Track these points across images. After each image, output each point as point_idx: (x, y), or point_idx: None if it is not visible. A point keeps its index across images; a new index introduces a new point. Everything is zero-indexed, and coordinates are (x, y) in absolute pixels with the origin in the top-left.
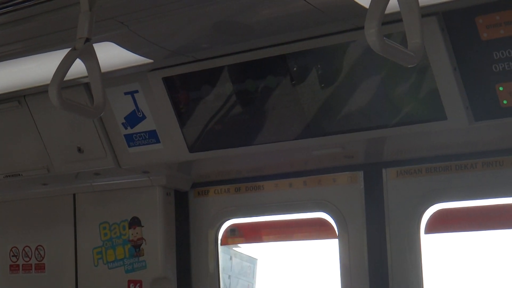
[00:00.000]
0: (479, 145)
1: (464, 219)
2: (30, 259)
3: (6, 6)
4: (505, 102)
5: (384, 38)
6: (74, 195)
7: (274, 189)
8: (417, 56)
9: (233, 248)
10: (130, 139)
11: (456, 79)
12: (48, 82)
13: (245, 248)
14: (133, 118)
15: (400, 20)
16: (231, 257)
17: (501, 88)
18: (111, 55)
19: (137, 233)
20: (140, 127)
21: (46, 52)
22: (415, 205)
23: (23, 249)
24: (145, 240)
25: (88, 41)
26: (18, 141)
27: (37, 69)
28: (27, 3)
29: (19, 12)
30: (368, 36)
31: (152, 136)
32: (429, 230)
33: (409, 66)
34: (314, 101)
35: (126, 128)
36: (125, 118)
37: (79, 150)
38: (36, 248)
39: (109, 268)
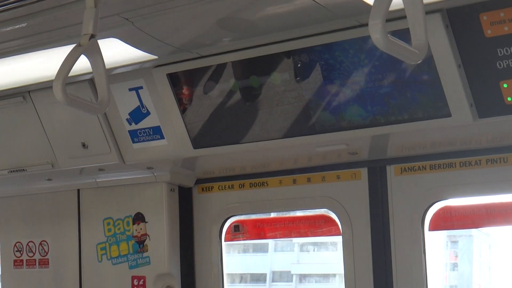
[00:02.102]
0: (483, 142)
1: (468, 216)
2: (34, 254)
3: (11, 2)
4: (509, 99)
5: (388, 35)
6: (78, 190)
7: (278, 186)
8: (421, 53)
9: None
10: (135, 135)
11: (461, 76)
12: (53, 78)
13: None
14: (138, 114)
15: (404, 17)
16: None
17: (505, 85)
18: (116, 51)
19: (141, 229)
20: (145, 123)
21: (51, 48)
22: (419, 202)
23: (27, 244)
24: (149, 236)
25: (93, 37)
26: (23, 137)
27: (41, 65)
28: None
29: (24, 8)
30: (372, 33)
31: (156, 132)
32: (433, 227)
33: (412, 63)
34: (318, 98)
35: (130, 124)
36: (129, 114)
37: (84, 145)
38: (40, 244)
39: (113, 264)
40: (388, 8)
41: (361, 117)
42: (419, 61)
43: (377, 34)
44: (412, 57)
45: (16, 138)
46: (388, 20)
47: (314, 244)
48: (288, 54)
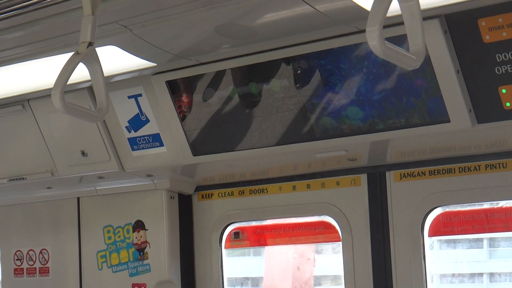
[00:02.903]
0: (482, 147)
1: (468, 222)
2: (34, 262)
3: (9, 10)
4: (508, 104)
5: (386, 41)
6: (78, 198)
7: (277, 192)
8: (419, 59)
9: None
10: (134, 143)
11: (459, 81)
12: (52, 86)
13: None
14: (137, 122)
15: (402, 23)
16: None
17: (504, 91)
18: (115, 59)
19: (141, 236)
20: (144, 131)
21: (49, 56)
22: (418, 208)
23: (27, 252)
24: (149, 244)
25: (91, 45)
26: (22, 145)
27: (40, 73)
28: (30, 8)
29: (22, 17)
30: (369, 40)
31: (155, 140)
32: (433, 233)
33: (410, 69)
34: (317, 104)
35: (129, 132)
36: (128, 121)
37: (83, 153)
38: (40, 252)
39: (113, 271)
40: (385, 14)
41: (360, 123)
42: (417, 67)
43: (374, 40)
44: (410, 63)
45: (15, 146)
46: (385, 26)
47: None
48: (287, 60)
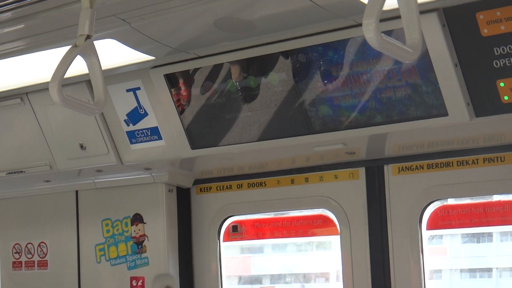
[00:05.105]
0: (480, 141)
1: (466, 215)
2: (32, 255)
3: (8, 3)
4: (506, 98)
5: (382, 34)
6: (76, 192)
7: (276, 186)
8: (415, 53)
9: None
10: (132, 136)
11: (457, 75)
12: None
13: None
14: (135, 115)
15: (399, 17)
16: None
17: (502, 84)
18: (113, 52)
19: (139, 229)
20: (142, 124)
21: (48, 49)
22: (416, 201)
23: (26, 246)
24: (147, 237)
25: (89, 38)
26: (21, 138)
27: (39, 66)
28: (28, 1)
29: (21, 10)
30: (366, 33)
31: (154, 133)
32: (431, 226)
33: (407, 62)
34: (316, 98)
35: (128, 125)
36: (127, 115)
37: (82, 147)
38: (39, 245)
39: (111, 264)
40: (382, 7)
41: (358, 116)
42: (413, 60)
43: (370, 33)
44: (406, 56)
45: (14, 139)
46: (383, 20)
47: None
48: (285, 54)
